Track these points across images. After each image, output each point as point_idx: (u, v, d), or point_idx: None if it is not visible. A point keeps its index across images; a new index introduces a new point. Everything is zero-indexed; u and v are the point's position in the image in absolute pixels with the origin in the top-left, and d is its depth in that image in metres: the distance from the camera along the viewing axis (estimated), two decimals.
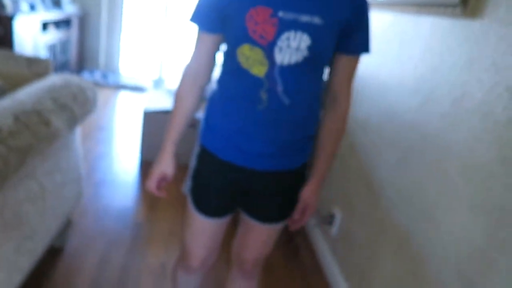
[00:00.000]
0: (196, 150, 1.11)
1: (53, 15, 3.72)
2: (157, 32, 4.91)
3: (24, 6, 3.35)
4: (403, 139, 1.44)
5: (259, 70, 0.89)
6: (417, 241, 1.29)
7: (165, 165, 1.06)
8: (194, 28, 0.98)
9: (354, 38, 0.92)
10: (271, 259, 2.01)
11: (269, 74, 0.89)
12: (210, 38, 0.97)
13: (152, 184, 1.07)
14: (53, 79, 1.50)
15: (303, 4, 0.85)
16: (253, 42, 0.87)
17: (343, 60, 0.96)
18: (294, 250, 2.12)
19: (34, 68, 1.66)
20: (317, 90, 0.97)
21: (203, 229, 1.12)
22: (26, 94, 1.30)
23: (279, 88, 0.90)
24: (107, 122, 3.42)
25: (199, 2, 0.95)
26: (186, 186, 1.14)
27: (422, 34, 1.39)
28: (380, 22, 1.71)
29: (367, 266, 1.59)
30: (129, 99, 4.18)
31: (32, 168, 1.27)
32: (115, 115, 3.63)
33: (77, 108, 1.43)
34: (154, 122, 2.75)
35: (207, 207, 1.08)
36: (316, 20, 0.85)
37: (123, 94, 4.31)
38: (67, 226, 1.77)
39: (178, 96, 1.03)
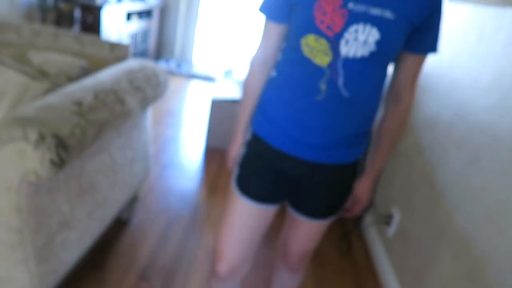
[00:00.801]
0: (246, 137, 1.10)
1: (137, 6, 3.99)
2: (229, 25, 5.05)
3: None
4: (473, 140, 1.35)
5: (322, 59, 0.87)
6: (479, 247, 1.21)
7: (239, 148, 1.13)
8: (262, 18, 0.98)
9: (424, 37, 0.89)
10: (324, 253, 2.00)
11: (332, 65, 0.86)
12: (278, 28, 0.96)
13: (232, 165, 1.16)
14: (131, 63, 1.62)
15: None
16: (319, 33, 0.84)
17: (410, 59, 0.93)
18: (347, 246, 2.08)
19: (115, 52, 1.81)
20: (378, 87, 0.93)
21: (244, 217, 1.07)
22: (106, 74, 1.42)
23: (340, 80, 0.87)
24: (177, 109, 3.60)
25: None
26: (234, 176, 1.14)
27: (506, 27, 1.28)
28: (457, 15, 1.61)
29: (422, 269, 1.52)
30: (200, 88, 4.36)
31: (106, 143, 1.39)
32: (185, 103, 3.81)
33: (149, 90, 1.54)
34: (221, 110, 2.85)
35: (252, 191, 1.05)
36: (388, 14, 0.81)
37: (194, 83, 4.50)
38: (133, 200, 1.91)
39: (247, 85, 1.06)
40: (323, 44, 0.85)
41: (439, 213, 1.49)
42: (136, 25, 4.07)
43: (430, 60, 1.79)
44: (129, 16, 3.94)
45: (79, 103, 1.15)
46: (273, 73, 1.01)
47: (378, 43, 0.83)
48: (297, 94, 0.93)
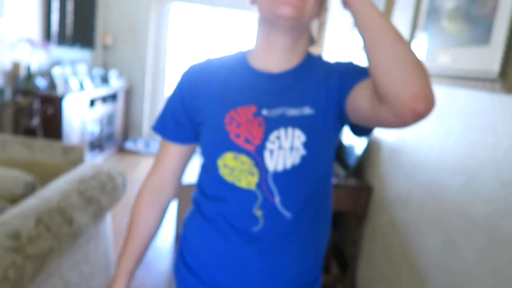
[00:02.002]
0: None
1: (101, 91, 3.96)
2: None
3: (75, 86, 3.60)
4: (448, 220, 1.29)
5: (248, 181, 0.72)
6: None
7: None
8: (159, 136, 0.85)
9: (350, 76, 0.71)
10: None
11: (262, 184, 0.72)
12: (177, 149, 0.82)
13: None
14: (84, 169, 1.52)
15: (288, 95, 0.73)
16: (237, 149, 0.72)
17: (358, 87, 0.69)
18: None
19: (69, 156, 1.72)
20: (324, 197, 0.79)
21: None
22: (54, 189, 1.32)
23: (277, 199, 0.72)
24: None
25: (164, 107, 0.83)
26: None
27: (460, 108, 1.28)
28: None
29: None
30: None
31: (56, 266, 1.25)
32: None
33: (104, 199, 1.43)
34: (189, 195, 2.73)
35: None
36: (307, 110, 0.72)
37: None
38: None
39: (134, 215, 0.86)
40: (245, 161, 0.72)
41: None
42: (100, 110, 4.02)
43: (394, 136, 1.78)
44: (92, 102, 3.90)
45: (16, 236, 1.02)
46: (191, 207, 0.86)
47: (307, 145, 0.71)
48: (226, 232, 0.75)
